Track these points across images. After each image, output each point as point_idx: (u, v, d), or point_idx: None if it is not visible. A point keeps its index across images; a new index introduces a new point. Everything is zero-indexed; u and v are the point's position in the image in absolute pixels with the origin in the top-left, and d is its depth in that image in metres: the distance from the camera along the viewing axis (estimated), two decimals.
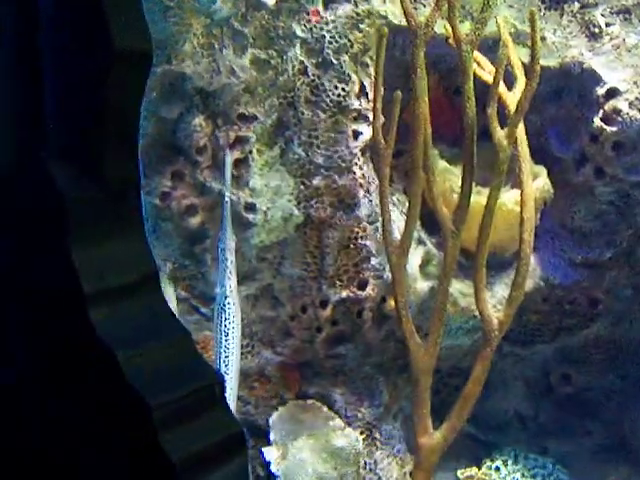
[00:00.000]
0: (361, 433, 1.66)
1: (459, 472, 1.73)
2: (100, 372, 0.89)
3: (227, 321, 1.31)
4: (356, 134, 1.54)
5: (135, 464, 0.86)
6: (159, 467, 0.84)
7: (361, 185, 1.55)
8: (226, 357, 1.31)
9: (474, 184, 1.49)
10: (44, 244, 0.94)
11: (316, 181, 1.54)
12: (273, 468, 1.57)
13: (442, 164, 1.69)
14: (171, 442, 0.85)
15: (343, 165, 1.54)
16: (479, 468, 1.78)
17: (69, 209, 0.89)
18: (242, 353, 1.57)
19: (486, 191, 1.57)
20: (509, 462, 1.81)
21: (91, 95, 0.92)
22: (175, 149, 1.51)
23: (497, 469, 1.79)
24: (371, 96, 1.55)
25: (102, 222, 0.92)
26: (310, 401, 1.65)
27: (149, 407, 0.85)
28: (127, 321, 0.91)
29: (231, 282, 1.32)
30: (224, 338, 1.31)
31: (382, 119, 1.46)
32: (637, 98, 1.66)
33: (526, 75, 1.53)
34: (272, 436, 1.60)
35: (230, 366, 1.31)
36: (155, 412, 0.85)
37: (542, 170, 1.73)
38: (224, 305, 1.31)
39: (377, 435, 1.69)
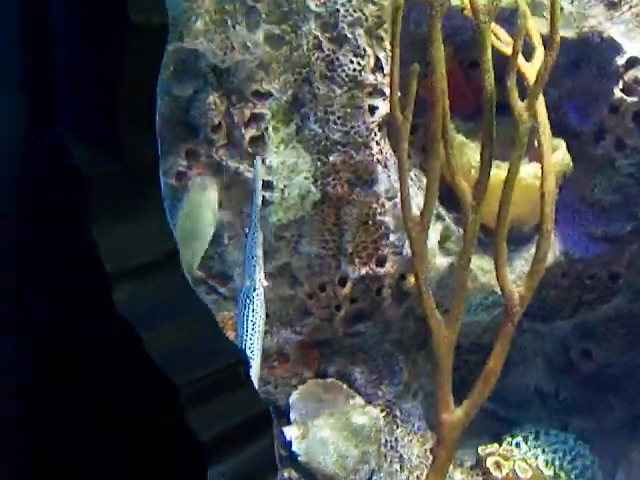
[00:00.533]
0: (381, 411, 1.65)
1: (480, 448, 1.72)
2: (124, 352, 0.87)
3: (255, 312, 1.32)
4: (372, 109, 1.52)
5: (163, 445, 0.85)
6: (187, 447, 0.83)
7: (378, 161, 1.53)
8: (251, 348, 1.31)
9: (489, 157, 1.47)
10: (62, 222, 0.92)
11: (333, 157, 1.52)
12: (294, 447, 1.56)
13: (459, 138, 1.67)
14: (198, 421, 0.83)
15: (360, 141, 1.52)
16: (500, 444, 1.77)
17: (87, 185, 0.88)
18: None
19: (504, 165, 1.55)
20: (530, 438, 1.79)
21: (107, 68, 0.90)
22: (189, 128, 1.49)
23: (517, 445, 1.78)
24: (387, 70, 1.52)
25: (122, 198, 0.90)
26: (330, 380, 1.64)
27: (175, 387, 0.84)
28: (150, 300, 0.89)
29: (260, 275, 1.32)
30: (250, 328, 1.31)
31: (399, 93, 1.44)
32: None
33: (545, 46, 1.51)
34: (292, 415, 1.59)
35: (255, 357, 1.31)
36: (181, 391, 0.84)
37: (561, 143, 1.70)
38: (253, 297, 1.31)
39: (397, 413, 1.68)
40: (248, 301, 1.31)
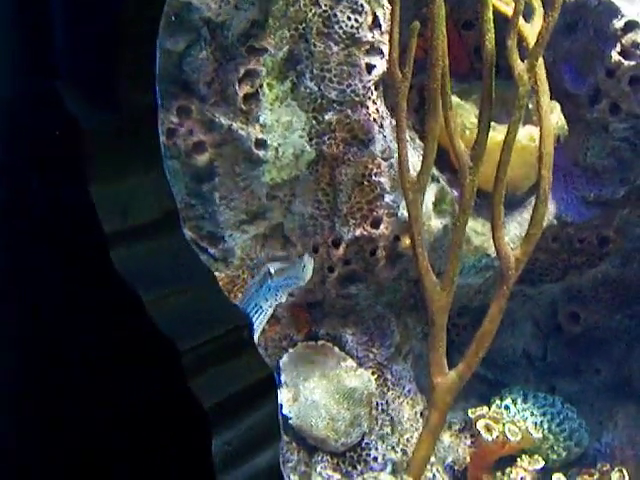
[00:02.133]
0: (372, 374, 1.64)
1: (470, 411, 1.72)
2: (124, 316, 0.85)
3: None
4: (369, 67, 1.49)
5: (165, 413, 0.83)
6: (191, 415, 0.81)
7: (375, 120, 1.50)
8: None
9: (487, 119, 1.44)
10: (57, 177, 0.89)
11: (328, 116, 1.48)
12: (285, 410, 1.55)
13: (454, 99, 1.65)
14: (202, 388, 0.81)
15: (356, 99, 1.48)
16: (489, 407, 1.77)
17: (84, 139, 0.84)
18: None
19: (499, 127, 1.53)
20: (518, 401, 1.80)
21: (104, 17, 0.86)
22: (181, 84, 1.45)
23: (507, 408, 1.78)
24: (384, 28, 1.49)
25: (120, 153, 0.87)
26: (321, 342, 1.62)
27: (178, 351, 0.81)
28: (151, 261, 0.87)
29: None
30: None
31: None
32: None
33: (544, 6, 1.48)
34: (283, 378, 1.58)
35: None
36: (184, 356, 0.81)
37: (556, 106, 1.68)
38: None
39: (388, 376, 1.67)
40: None
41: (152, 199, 0.90)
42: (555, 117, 1.66)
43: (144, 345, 0.83)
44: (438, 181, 1.60)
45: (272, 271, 1.31)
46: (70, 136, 0.86)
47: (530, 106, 1.59)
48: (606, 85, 1.67)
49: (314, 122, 1.49)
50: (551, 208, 1.73)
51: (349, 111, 1.49)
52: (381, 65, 1.49)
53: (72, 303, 0.88)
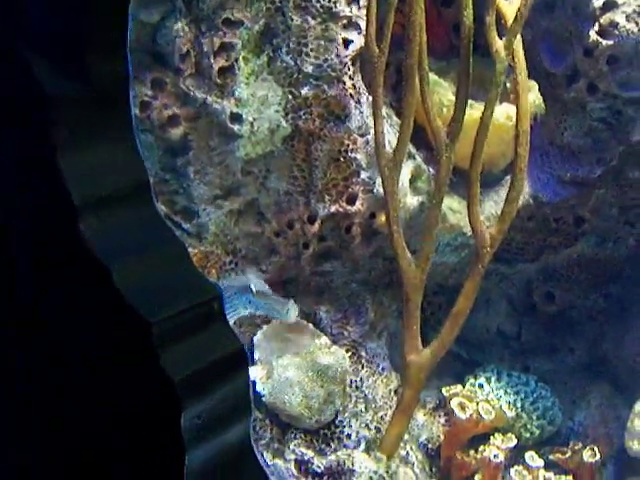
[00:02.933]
0: (347, 351, 1.64)
1: (444, 389, 1.72)
2: (92, 288, 0.83)
3: None
4: (347, 42, 1.47)
5: (135, 386, 0.82)
6: (161, 388, 0.80)
7: (351, 96, 1.49)
8: None
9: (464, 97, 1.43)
10: (25, 148, 0.87)
11: (305, 91, 1.47)
12: (258, 387, 1.54)
13: (431, 77, 1.63)
14: (171, 360, 0.80)
15: (333, 74, 1.47)
16: (463, 386, 1.78)
17: (53, 106, 0.82)
18: (226, 271, 1.53)
19: (476, 105, 1.52)
20: (492, 379, 1.80)
21: None
22: (155, 56, 1.42)
23: (480, 386, 1.78)
24: (362, 2, 1.47)
25: (90, 123, 0.85)
26: (295, 319, 1.61)
27: (148, 324, 0.80)
28: (120, 232, 0.85)
29: None
30: None
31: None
32: (635, 11, 1.61)
33: None
34: (257, 355, 1.56)
35: None
36: (154, 329, 0.80)
37: (533, 84, 1.68)
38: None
39: (363, 353, 1.66)
40: None
41: (122, 170, 0.88)
42: (532, 96, 1.66)
43: (112, 316, 0.82)
44: (414, 158, 1.59)
45: (253, 288, 1.30)
46: (38, 103, 0.84)
47: (508, 85, 1.59)
48: (584, 64, 1.66)
49: (290, 97, 1.47)
50: (527, 187, 1.73)
51: (326, 86, 1.47)
52: (358, 40, 1.47)
53: (39, 273, 0.86)
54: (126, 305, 0.80)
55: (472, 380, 1.81)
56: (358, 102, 1.50)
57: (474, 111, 1.50)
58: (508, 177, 1.55)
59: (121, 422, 0.82)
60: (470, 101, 1.48)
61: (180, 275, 0.87)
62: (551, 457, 1.77)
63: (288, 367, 1.57)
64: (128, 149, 0.88)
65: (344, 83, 1.48)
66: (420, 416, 1.75)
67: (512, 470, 1.68)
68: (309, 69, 1.46)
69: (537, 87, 1.68)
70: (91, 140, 0.85)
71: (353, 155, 1.51)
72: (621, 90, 1.65)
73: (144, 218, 0.88)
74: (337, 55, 1.46)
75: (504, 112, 1.62)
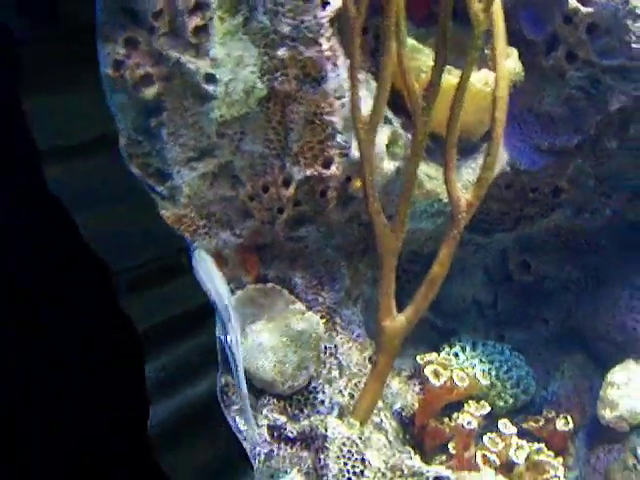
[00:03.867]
0: (321, 317, 1.63)
1: (419, 357, 1.72)
2: (56, 234, 0.82)
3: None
4: (324, 3, 1.45)
5: (97, 333, 0.80)
6: (124, 338, 0.78)
7: (328, 58, 1.46)
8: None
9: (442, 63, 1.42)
10: None
11: (281, 52, 1.45)
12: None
13: (410, 42, 1.62)
14: (135, 310, 0.79)
15: (310, 36, 1.45)
16: (438, 354, 1.78)
17: (18, 52, 0.80)
18: (199, 234, 1.50)
19: (454, 71, 1.51)
20: (467, 348, 1.81)
21: None
22: (129, 14, 1.40)
23: (455, 355, 1.79)
24: None
25: (56, 70, 0.83)
26: (270, 285, 1.60)
27: (112, 273, 0.79)
28: (85, 181, 0.83)
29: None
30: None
31: None
32: None
33: None
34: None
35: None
36: (118, 277, 0.79)
37: (512, 51, 1.66)
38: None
39: (337, 320, 1.66)
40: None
41: (89, 118, 0.86)
42: (511, 63, 1.64)
43: (76, 265, 0.80)
44: (392, 123, 1.57)
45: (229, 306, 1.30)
46: (3, 45, 0.82)
47: (487, 52, 1.57)
48: (563, 32, 1.65)
49: (266, 58, 1.45)
50: (505, 155, 1.72)
51: (302, 47, 1.45)
52: (335, 1, 1.45)
53: (3, 221, 0.84)
54: (90, 253, 0.78)
55: (447, 349, 1.81)
56: (335, 65, 1.48)
57: (452, 77, 1.49)
58: (486, 145, 1.54)
59: (82, 370, 0.80)
60: (449, 67, 1.47)
61: (146, 226, 0.86)
62: (524, 425, 1.78)
63: (261, 332, 1.56)
64: (94, 97, 0.86)
65: (321, 45, 1.46)
66: (395, 384, 1.74)
67: (485, 437, 1.68)
68: (285, 30, 1.44)
69: (517, 54, 1.67)
70: (57, 84, 0.83)
71: (329, 118, 1.49)
72: (600, 58, 1.64)
73: (109, 168, 0.86)
74: (314, 16, 1.44)
75: (483, 78, 1.60)
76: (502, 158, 1.71)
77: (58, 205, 0.80)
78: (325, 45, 1.46)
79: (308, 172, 1.51)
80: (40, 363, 0.82)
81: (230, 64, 1.43)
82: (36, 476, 0.81)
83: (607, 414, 1.75)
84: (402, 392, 1.75)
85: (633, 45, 1.60)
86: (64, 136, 0.83)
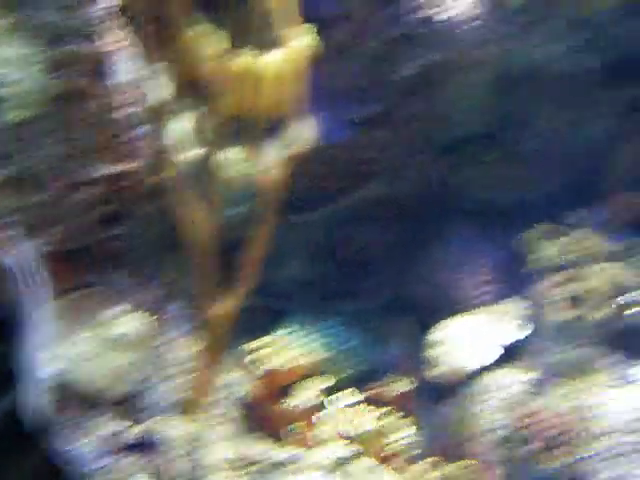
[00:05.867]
0: (147, 316, 1.58)
1: (253, 343, 1.72)
2: None
3: None
4: None
5: None
6: None
7: (116, 50, 1.42)
8: None
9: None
10: None
11: (66, 48, 1.38)
12: (58, 365, 1.46)
13: (200, 28, 1.60)
14: None
15: (93, 29, 1.39)
16: (272, 337, 1.78)
17: None
18: (4, 245, 1.43)
19: (249, 53, 1.50)
20: (301, 327, 1.82)
21: None
22: None
23: (290, 334, 1.79)
24: None
25: None
26: (89, 289, 1.54)
27: None
28: None
29: None
30: None
31: None
32: None
33: None
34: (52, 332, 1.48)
35: None
36: None
37: (308, 27, 1.67)
38: None
39: (163, 316, 1.62)
40: None
41: None
42: (308, 39, 1.66)
43: None
44: (191, 110, 1.54)
45: None
46: None
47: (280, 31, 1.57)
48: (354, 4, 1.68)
49: (51, 54, 1.38)
50: (312, 131, 1.73)
51: (87, 42, 1.39)
52: None
53: None
54: None
55: (281, 330, 1.81)
56: (125, 57, 1.43)
57: (250, 58, 1.48)
58: (288, 122, 1.54)
59: None
60: (246, 49, 1.46)
61: None
62: (364, 394, 1.81)
63: (84, 341, 1.50)
64: None
65: (106, 38, 1.41)
66: (234, 373, 1.73)
67: (331, 409, 1.70)
68: (67, 24, 1.38)
69: (313, 30, 1.68)
70: None
71: (124, 111, 1.44)
72: (390, 28, 1.68)
73: None
74: (96, 9, 1.39)
75: (280, 57, 1.60)
76: (311, 134, 1.72)
77: None
78: (112, 37, 1.41)
79: (112, 168, 1.46)
80: None
81: (13, 64, 1.36)
82: None
83: (434, 372, 1.82)
84: (242, 380, 1.74)
85: (419, 14, 1.65)
86: None
